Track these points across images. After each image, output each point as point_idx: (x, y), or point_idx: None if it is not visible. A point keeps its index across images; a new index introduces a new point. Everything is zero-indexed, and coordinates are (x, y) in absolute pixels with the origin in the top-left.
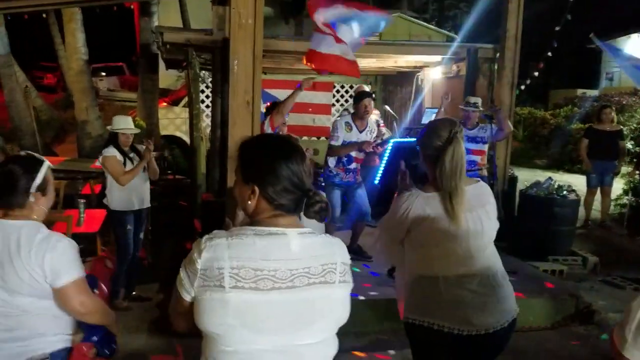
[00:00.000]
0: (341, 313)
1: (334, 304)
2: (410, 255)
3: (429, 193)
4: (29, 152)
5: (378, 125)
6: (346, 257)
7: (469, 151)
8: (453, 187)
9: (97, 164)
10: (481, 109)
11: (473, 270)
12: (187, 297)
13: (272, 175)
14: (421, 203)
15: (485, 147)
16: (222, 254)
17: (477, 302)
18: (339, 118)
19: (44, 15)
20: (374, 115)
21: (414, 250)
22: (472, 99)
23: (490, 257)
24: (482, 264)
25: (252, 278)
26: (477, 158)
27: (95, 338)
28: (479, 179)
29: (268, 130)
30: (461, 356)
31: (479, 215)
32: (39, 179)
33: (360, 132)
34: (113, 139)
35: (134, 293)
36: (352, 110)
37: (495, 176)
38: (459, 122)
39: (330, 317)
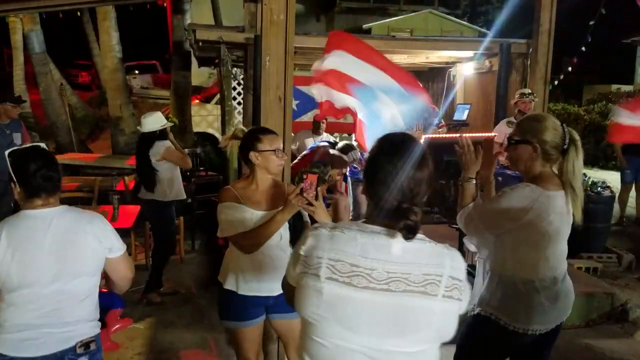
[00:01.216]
0: (443, 329)
1: (434, 317)
2: (505, 253)
3: (552, 192)
4: (35, 144)
5: None
6: (459, 272)
7: None
8: (578, 188)
9: (153, 160)
10: (536, 99)
11: (561, 272)
12: (291, 281)
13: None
14: (545, 202)
15: None
16: (323, 244)
17: (557, 303)
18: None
19: (79, 14)
20: None
21: (513, 249)
22: (527, 90)
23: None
24: (564, 266)
25: (348, 273)
26: None
27: (121, 305)
28: None
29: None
30: (522, 353)
31: (571, 217)
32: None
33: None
34: (155, 137)
35: (163, 287)
36: None
37: None
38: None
39: (429, 330)
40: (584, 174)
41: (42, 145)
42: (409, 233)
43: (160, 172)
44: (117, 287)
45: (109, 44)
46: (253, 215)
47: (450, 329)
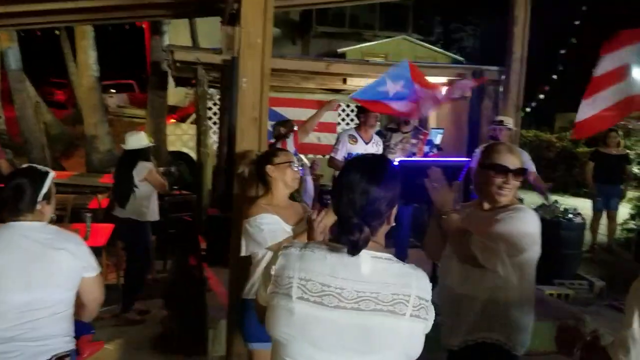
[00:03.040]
0: (410, 348)
1: (402, 337)
2: (515, 276)
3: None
4: (32, 164)
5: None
6: (425, 291)
7: None
8: None
9: (137, 180)
10: (511, 127)
11: None
12: (261, 301)
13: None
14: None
15: None
16: (293, 264)
17: None
18: (342, 131)
19: (57, 32)
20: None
21: (522, 272)
22: (501, 117)
23: None
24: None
25: (318, 292)
26: None
27: (92, 330)
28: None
29: (292, 149)
30: None
31: None
32: (44, 189)
33: (367, 144)
34: (138, 156)
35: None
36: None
37: None
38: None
39: (395, 349)
40: (555, 201)
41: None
42: (352, 249)
43: (139, 192)
44: (87, 311)
45: (86, 62)
46: (287, 227)
47: (417, 349)
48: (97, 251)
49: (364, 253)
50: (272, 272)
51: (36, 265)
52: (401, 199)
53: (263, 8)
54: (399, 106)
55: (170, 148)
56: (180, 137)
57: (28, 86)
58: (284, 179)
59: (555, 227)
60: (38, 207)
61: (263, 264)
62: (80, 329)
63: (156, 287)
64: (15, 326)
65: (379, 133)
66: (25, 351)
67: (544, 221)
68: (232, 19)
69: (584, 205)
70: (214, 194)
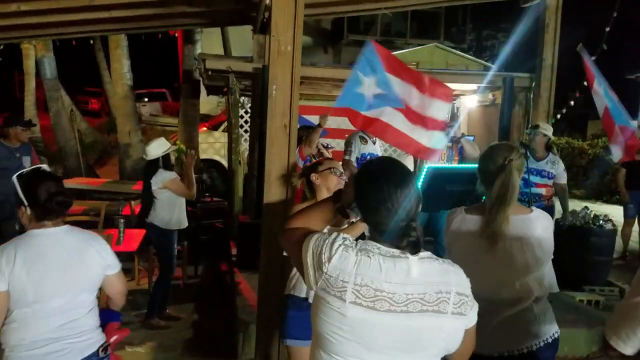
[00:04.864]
0: (451, 343)
1: (444, 334)
2: None
3: (471, 215)
4: (42, 168)
5: None
6: (464, 287)
7: (532, 184)
8: (494, 214)
9: (154, 187)
10: (546, 134)
11: (500, 298)
12: (312, 283)
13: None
14: (459, 222)
15: (551, 182)
16: (350, 269)
17: (496, 328)
18: (352, 134)
19: (91, 42)
20: None
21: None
22: (541, 124)
23: (522, 288)
24: (511, 294)
25: (372, 297)
26: (542, 191)
27: (119, 317)
28: (533, 208)
29: (298, 161)
30: None
31: (512, 246)
32: None
33: (374, 143)
34: (159, 163)
35: (167, 311)
36: None
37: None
38: (520, 149)
39: (438, 345)
40: (586, 207)
41: (45, 166)
42: (413, 248)
43: (160, 200)
44: (114, 302)
45: (120, 71)
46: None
47: (456, 343)
48: (129, 256)
49: (412, 256)
50: (325, 270)
51: (73, 268)
52: (430, 206)
53: (293, 16)
54: (387, 120)
55: (203, 156)
56: (212, 145)
57: (63, 95)
58: (327, 184)
59: (585, 233)
60: None
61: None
62: (109, 316)
63: (188, 291)
64: (61, 326)
65: None
66: (75, 347)
67: (574, 227)
68: (263, 27)
69: (616, 212)
70: (244, 201)
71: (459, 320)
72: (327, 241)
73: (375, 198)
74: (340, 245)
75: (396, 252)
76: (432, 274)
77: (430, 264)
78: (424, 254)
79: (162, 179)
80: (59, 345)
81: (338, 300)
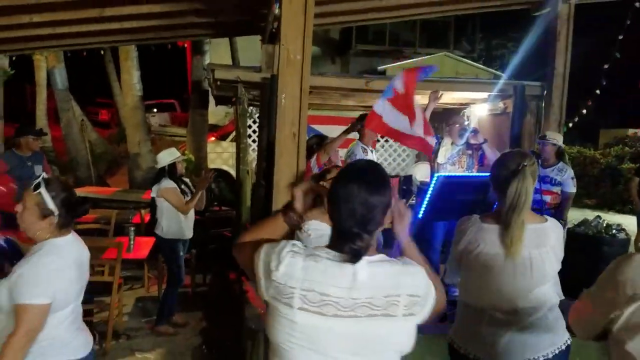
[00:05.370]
0: (404, 344)
1: (397, 336)
2: (462, 281)
3: (487, 224)
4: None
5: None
6: (417, 288)
7: (537, 190)
8: (511, 221)
9: (153, 195)
10: (556, 143)
11: (516, 307)
12: (263, 292)
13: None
14: (475, 231)
15: (558, 189)
16: (297, 275)
17: (513, 337)
18: (355, 143)
19: (102, 52)
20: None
21: (464, 278)
22: (549, 133)
23: (538, 297)
24: (528, 303)
25: (318, 302)
26: (547, 198)
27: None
28: (548, 217)
29: (315, 168)
30: None
31: (531, 255)
32: None
33: (371, 151)
34: (164, 172)
35: (173, 318)
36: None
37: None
38: (533, 156)
39: (391, 348)
40: (598, 216)
41: (43, 174)
42: (353, 257)
43: (161, 209)
44: None
45: (130, 82)
46: None
47: (410, 342)
48: (139, 264)
49: (361, 260)
50: (274, 278)
51: (82, 271)
52: (440, 215)
53: (303, 26)
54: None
55: (211, 166)
56: (221, 155)
57: (74, 106)
58: None
59: (598, 243)
60: None
61: None
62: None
63: (196, 299)
64: (79, 319)
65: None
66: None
67: (586, 236)
68: (272, 37)
69: (629, 222)
70: (252, 210)
71: (410, 321)
72: (275, 249)
73: (337, 194)
74: (288, 252)
75: (344, 257)
76: (381, 277)
77: (381, 268)
78: (375, 257)
79: (159, 187)
80: (84, 334)
81: (287, 307)
